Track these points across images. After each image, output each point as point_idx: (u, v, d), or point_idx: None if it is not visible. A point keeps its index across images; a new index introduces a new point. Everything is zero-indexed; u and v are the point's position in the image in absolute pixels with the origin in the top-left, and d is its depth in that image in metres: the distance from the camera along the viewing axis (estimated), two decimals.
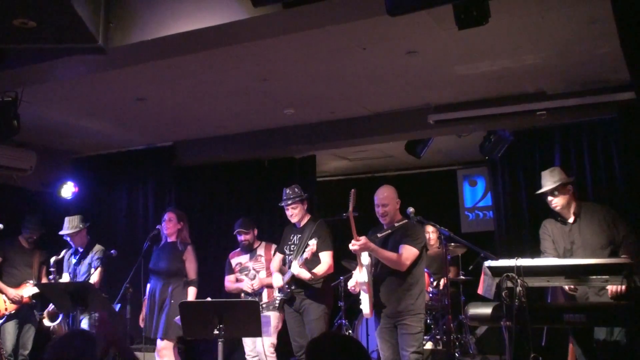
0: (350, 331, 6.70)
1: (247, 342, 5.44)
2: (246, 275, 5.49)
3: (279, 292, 5.15)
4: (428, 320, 6.09)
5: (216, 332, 3.99)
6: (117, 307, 5.22)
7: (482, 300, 3.81)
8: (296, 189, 5.19)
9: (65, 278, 5.75)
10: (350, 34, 4.27)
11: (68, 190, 7.27)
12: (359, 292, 4.51)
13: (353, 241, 4.33)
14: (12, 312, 6.04)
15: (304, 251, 4.85)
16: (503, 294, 3.51)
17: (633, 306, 3.44)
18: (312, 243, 4.79)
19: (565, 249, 4.31)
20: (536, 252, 4.42)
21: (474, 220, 8.41)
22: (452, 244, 5.91)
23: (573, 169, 5.82)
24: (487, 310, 3.77)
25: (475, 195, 8.49)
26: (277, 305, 5.22)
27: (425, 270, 4.86)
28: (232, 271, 5.63)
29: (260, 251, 5.56)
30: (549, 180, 4.37)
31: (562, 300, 4.37)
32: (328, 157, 7.99)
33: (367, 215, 4.84)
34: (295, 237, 5.17)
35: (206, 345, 6.22)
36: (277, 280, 5.11)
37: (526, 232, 6.00)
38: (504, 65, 4.92)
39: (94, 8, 3.55)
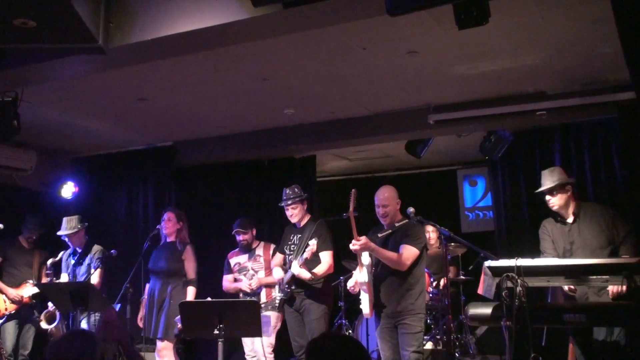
0: (350, 331, 6.70)
1: (246, 342, 5.44)
2: (244, 275, 5.49)
3: (279, 292, 5.15)
4: (428, 320, 6.09)
5: (216, 332, 3.99)
6: (117, 307, 5.22)
7: (482, 300, 3.81)
8: (296, 189, 5.19)
9: (64, 279, 5.73)
10: (350, 34, 4.27)
11: (68, 190, 7.26)
12: (359, 292, 4.51)
13: (353, 241, 4.33)
14: (12, 312, 6.03)
15: (304, 251, 4.85)
16: (503, 294, 3.51)
17: (633, 306, 3.44)
18: (313, 243, 4.79)
19: (564, 249, 4.31)
20: (536, 252, 4.42)
21: (474, 220, 8.41)
22: (452, 244, 5.91)
23: (573, 169, 5.83)
24: (487, 310, 3.77)
25: (475, 195, 8.49)
26: (277, 305, 5.23)
27: (426, 270, 4.86)
28: (230, 271, 5.63)
29: (259, 251, 5.55)
30: (548, 180, 4.38)
31: (562, 300, 4.37)
32: (328, 157, 7.99)
33: (368, 215, 4.84)
34: (296, 237, 5.17)
35: (206, 345, 6.23)
36: (278, 273, 5.11)
37: (526, 232, 6.00)
38: (504, 65, 4.92)
39: (94, 8, 3.55)
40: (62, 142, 7.23)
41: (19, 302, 6.03)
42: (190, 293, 5.34)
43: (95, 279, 5.46)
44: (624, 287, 3.52)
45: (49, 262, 5.77)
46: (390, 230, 4.56)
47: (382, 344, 4.49)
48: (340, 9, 3.43)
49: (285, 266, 5.17)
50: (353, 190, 4.45)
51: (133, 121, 6.50)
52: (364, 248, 4.34)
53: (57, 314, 5.65)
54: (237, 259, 5.62)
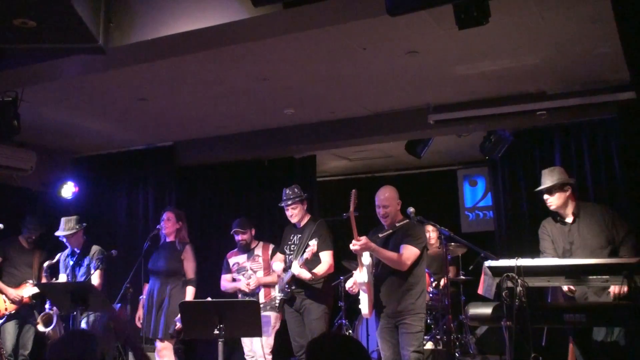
0: (350, 331, 6.69)
1: (245, 342, 5.44)
2: (243, 275, 5.48)
3: (279, 292, 5.15)
4: (428, 320, 6.09)
5: (216, 332, 3.99)
6: (117, 307, 5.22)
7: (482, 300, 3.81)
8: (296, 189, 5.18)
9: (62, 279, 5.71)
10: (350, 34, 4.27)
11: (68, 190, 7.26)
12: (358, 292, 4.51)
13: (354, 241, 4.33)
14: (12, 312, 6.03)
15: (304, 251, 4.85)
16: (503, 294, 3.51)
17: (633, 306, 3.44)
18: (313, 243, 4.79)
19: (564, 249, 4.31)
20: (536, 252, 4.42)
21: (474, 220, 8.41)
22: (452, 243, 5.91)
23: (573, 169, 5.82)
24: (487, 310, 3.77)
25: (475, 195, 8.48)
26: (276, 305, 5.23)
27: (426, 270, 4.86)
28: (229, 270, 5.63)
29: (258, 251, 5.55)
30: (547, 179, 4.38)
31: (562, 300, 4.38)
32: (328, 157, 7.99)
33: (368, 216, 4.84)
34: (296, 237, 5.18)
35: (206, 346, 6.23)
36: (278, 266, 5.12)
37: (526, 232, 6.00)
38: (504, 65, 4.92)
39: (94, 8, 3.55)
40: (62, 142, 7.23)
41: (19, 302, 6.02)
42: (190, 293, 5.33)
43: (96, 280, 5.45)
44: (625, 288, 3.52)
45: (45, 264, 5.76)
46: (390, 231, 4.56)
47: (383, 343, 4.49)
48: (340, 9, 3.43)
49: (286, 266, 5.17)
50: (353, 190, 4.45)
51: (133, 121, 6.50)
52: (364, 248, 4.34)
53: (54, 316, 5.64)
54: (236, 259, 5.62)
